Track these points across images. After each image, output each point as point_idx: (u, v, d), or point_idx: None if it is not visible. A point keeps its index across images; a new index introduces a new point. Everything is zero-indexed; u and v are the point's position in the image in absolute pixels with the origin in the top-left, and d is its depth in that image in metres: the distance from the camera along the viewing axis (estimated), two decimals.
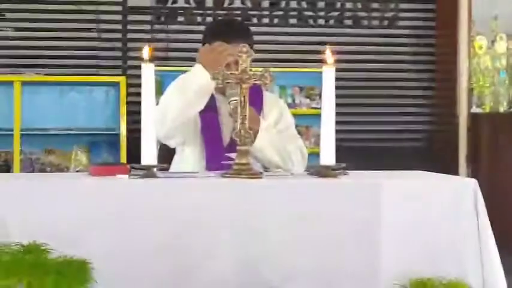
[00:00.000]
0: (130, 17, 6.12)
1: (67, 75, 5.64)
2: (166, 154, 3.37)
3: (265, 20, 6.44)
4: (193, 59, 3.32)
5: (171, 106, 3.12)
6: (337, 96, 2.83)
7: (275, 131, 3.30)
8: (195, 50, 3.35)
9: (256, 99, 3.26)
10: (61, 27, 6.02)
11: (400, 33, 6.61)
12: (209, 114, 3.25)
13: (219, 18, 3.22)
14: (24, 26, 5.98)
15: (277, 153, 3.23)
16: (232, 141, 3.04)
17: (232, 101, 3.08)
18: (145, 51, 2.67)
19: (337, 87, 2.84)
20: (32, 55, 5.92)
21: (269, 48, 6.20)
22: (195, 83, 3.10)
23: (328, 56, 2.74)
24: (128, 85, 5.52)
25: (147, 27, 6.14)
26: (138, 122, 2.76)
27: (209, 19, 6.28)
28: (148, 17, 6.23)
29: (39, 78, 5.41)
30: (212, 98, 3.26)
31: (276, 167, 3.21)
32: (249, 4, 6.46)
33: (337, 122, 2.79)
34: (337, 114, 2.84)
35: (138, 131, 2.81)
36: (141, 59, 2.70)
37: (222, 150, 3.17)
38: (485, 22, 6.42)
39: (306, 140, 5.70)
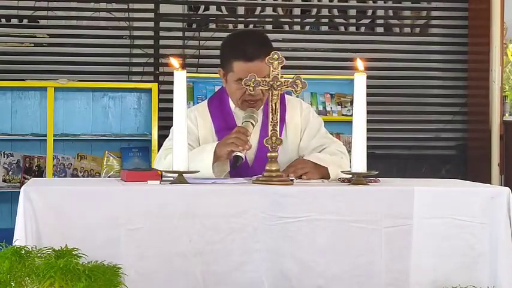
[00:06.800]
0: (162, 24, 6.15)
1: (100, 82, 5.68)
2: None
3: (297, 28, 6.43)
4: None
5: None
6: (368, 104, 2.82)
7: (328, 156, 3.14)
8: None
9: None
10: (94, 34, 6.07)
11: (432, 40, 6.56)
12: (227, 134, 3.09)
13: (234, 33, 2.96)
14: (58, 33, 6.04)
15: (340, 168, 3.05)
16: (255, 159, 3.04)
17: (245, 122, 3.03)
18: (176, 59, 2.69)
19: (368, 95, 2.83)
20: (65, 61, 5.97)
21: (300, 55, 6.20)
22: (199, 167, 2.84)
23: (360, 63, 2.73)
24: (160, 91, 5.54)
25: (179, 34, 6.17)
26: (170, 128, 2.78)
27: (240, 26, 6.29)
28: (180, 24, 6.26)
29: (72, 84, 5.46)
30: (230, 116, 3.23)
31: None
32: (280, 11, 6.46)
33: (369, 130, 2.78)
34: (369, 121, 2.83)
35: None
36: (172, 65, 2.71)
37: (244, 168, 3.06)
38: None
39: None
